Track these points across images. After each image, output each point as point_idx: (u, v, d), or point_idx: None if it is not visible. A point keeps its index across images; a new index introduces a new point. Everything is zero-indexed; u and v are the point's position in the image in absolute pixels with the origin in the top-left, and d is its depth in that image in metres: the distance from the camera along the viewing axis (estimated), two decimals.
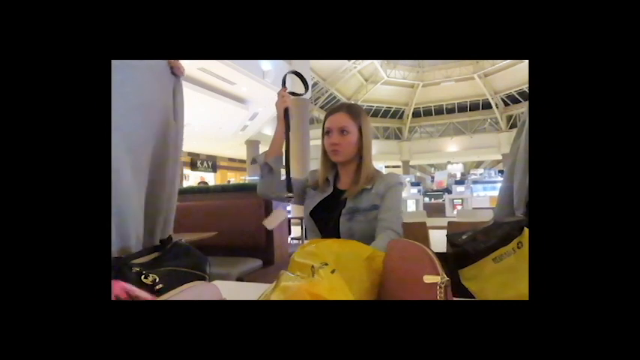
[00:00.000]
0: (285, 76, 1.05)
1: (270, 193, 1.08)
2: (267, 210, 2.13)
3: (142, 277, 0.60)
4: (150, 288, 0.59)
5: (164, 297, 0.50)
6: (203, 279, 0.73)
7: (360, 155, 1.04)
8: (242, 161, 14.09)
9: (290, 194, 1.03)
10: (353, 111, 1.04)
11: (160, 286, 0.60)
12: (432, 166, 20.82)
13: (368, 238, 0.93)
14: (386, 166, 14.90)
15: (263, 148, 1.08)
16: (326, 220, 1.05)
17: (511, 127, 15.75)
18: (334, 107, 1.07)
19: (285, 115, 1.02)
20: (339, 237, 1.00)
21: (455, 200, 7.76)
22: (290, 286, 0.51)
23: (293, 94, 1.05)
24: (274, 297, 0.49)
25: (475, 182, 8.79)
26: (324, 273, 0.52)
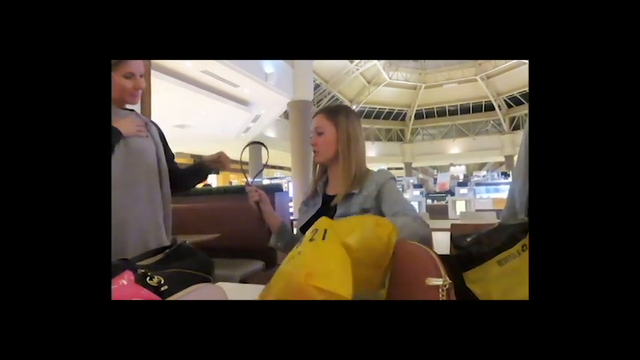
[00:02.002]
0: (258, 173, 1.18)
1: None
2: None
3: (147, 278, 0.60)
4: (155, 289, 0.59)
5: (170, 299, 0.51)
6: (208, 281, 0.73)
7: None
8: (245, 163, 14.09)
9: None
10: (329, 111, 1.04)
11: (165, 287, 0.60)
12: (434, 168, 20.77)
13: None
14: (388, 168, 14.85)
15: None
16: None
17: (514, 129, 15.71)
18: None
19: (258, 208, 1.07)
20: None
21: (457, 202, 7.77)
22: (282, 271, 0.53)
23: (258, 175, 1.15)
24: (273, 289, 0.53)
25: (478, 184, 8.76)
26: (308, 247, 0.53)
